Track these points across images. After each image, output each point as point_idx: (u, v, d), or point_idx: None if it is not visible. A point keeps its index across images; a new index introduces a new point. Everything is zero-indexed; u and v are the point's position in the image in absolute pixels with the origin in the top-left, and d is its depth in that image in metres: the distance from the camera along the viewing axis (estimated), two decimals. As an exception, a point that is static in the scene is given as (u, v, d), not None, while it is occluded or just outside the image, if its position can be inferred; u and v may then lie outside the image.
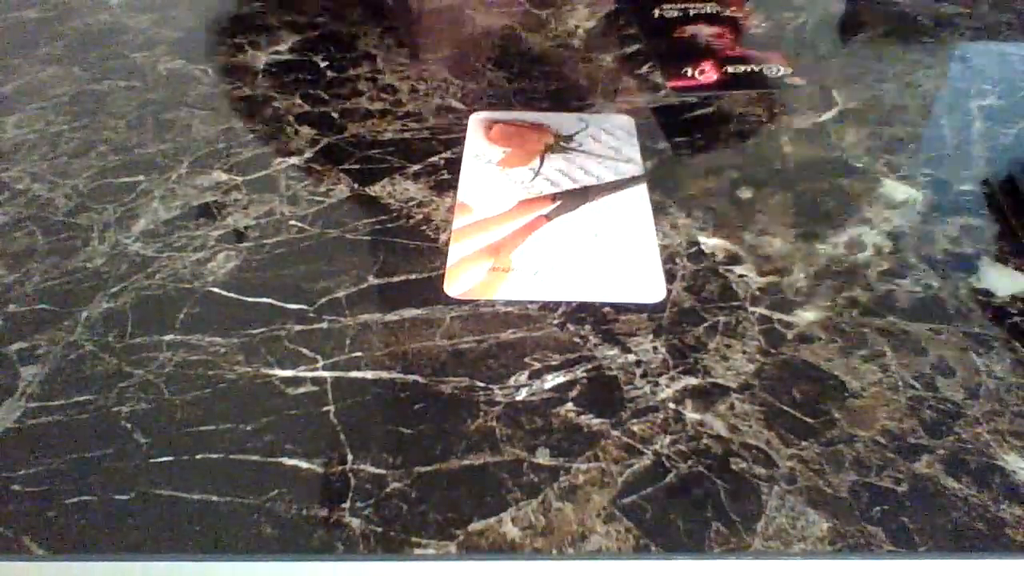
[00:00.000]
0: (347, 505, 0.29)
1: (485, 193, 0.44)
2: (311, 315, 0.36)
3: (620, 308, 0.37)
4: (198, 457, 0.30)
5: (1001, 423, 0.32)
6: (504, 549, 0.28)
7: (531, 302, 0.37)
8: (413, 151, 0.47)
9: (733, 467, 0.30)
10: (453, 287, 0.38)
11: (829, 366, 0.34)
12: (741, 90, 0.53)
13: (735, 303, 0.37)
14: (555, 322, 0.36)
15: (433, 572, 0.27)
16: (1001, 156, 0.47)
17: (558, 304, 0.37)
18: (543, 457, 0.30)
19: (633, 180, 0.45)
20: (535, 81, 0.54)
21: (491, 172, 0.45)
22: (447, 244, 0.40)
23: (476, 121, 0.50)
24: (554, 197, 0.43)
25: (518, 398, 0.33)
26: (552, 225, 0.41)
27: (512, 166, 0.46)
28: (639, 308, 0.37)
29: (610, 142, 0.48)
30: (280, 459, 0.30)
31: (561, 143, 0.48)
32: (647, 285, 0.38)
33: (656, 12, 0.62)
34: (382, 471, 0.30)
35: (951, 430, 0.32)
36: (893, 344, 0.35)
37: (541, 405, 0.32)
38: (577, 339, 0.35)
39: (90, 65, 0.56)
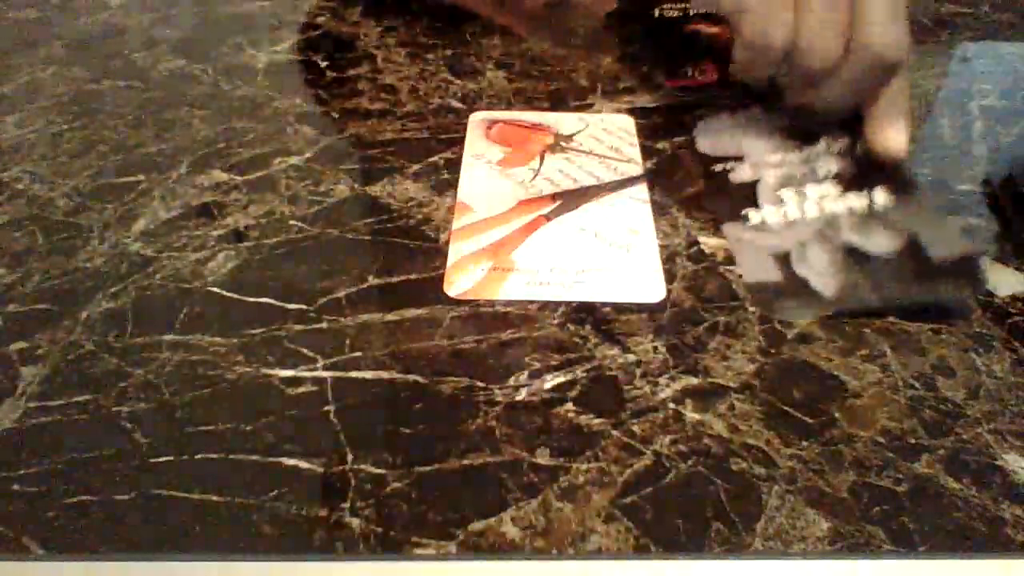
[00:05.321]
0: (347, 505, 0.29)
1: (485, 193, 0.44)
2: (311, 315, 0.36)
3: (620, 308, 0.37)
4: (198, 457, 0.30)
5: (1001, 423, 0.32)
6: (504, 549, 0.28)
7: (531, 302, 0.37)
8: (413, 151, 0.47)
9: (733, 467, 0.30)
10: (453, 287, 0.38)
11: (829, 366, 0.34)
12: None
13: (735, 303, 0.37)
14: (555, 322, 0.36)
15: (433, 572, 0.27)
16: (1001, 156, 0.47)
17: (558, 304, 0.37)
18: (543, 457, 0.30)
19: (633, 180, 0.45)
20: (535, 81, 0.54)
21: (491, 172, 0.45)
22: (447, 244, 0.40)
23: (476, 121, 0.50)
24: (554, 197, 0.43)
25: (518, 398, 0.33)
26: (552, 225, 0.41)
27: (512, 166, 0.46)
28: (639, 308, 0.37)
29: (610, 142, 0.48)
30: (280, 459, 0.30)
31: (561, 143, 0.48)
32: (647, 285, 0.38)
33: (656, 12, 0.62)
34: (382, 471, 0.30)
35: (951, 430, 0.32)
36: (893, 344, 0.35)
37: (541, 405, 0.32)
38: (577, 339, 0.35)
39: (90, 65, 0.56)
